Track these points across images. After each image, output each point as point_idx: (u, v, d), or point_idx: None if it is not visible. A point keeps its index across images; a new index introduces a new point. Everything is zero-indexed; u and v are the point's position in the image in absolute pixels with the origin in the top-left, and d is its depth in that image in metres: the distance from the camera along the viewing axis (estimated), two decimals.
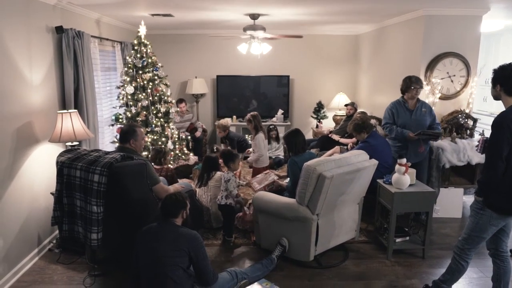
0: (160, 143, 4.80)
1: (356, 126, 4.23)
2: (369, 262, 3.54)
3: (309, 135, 7.26)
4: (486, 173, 2.51)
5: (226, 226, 3.91)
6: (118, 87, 4.90)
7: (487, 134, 2.68)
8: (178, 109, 6.58)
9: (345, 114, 6.52)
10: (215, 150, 5.79)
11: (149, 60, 4.75)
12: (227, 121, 6.13)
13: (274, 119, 7.27)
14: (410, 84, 4.08)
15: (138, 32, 4.78)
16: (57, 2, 3.86)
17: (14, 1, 3.24)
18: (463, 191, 4.55)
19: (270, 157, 6.27)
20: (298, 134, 3.86)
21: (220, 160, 4.31)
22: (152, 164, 4.31)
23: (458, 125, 4.57)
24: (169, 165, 4.58)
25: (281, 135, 6.55)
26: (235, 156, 4.05)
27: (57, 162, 3.13)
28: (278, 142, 6.43)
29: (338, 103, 7.21)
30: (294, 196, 3.43)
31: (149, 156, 4.54)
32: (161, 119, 4.83)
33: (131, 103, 4.73)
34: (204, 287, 2.67)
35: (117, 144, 4.15)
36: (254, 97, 7.58)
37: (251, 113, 5.43)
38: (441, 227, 4.24)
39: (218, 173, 4.21)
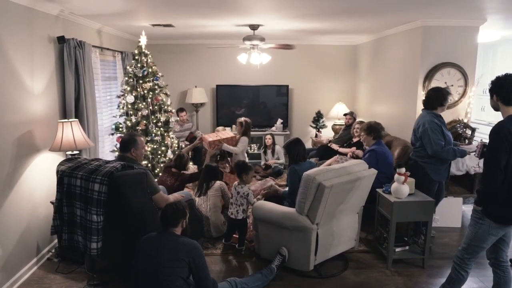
0: (159, 152, 4.81)
1: (369, 126, 4.34)
2: (369, 272, 3.54)
3: (308, 145, 7.27)
4: (484, 182, 2.53)
5: (240, 237, 3.90)
6: (119, 97, 4.92)
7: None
8: (179, 118, 6.60)
9: (344, 123, 6.54)
10: (218, 158, 5.81)
11: (150, 70, 4.78)
12: (219, 129, 6.33)
13: (273, 128, 7.29)
14: (447, 97, 3.76)
15: (139, 42, 4.82)
16: (59, 12, 3.90)
17: (17, 11, 3.28)
18: (462, 200, 4.56)
19: (270, 167, 6.27)
20: (299, 143, 3.92)
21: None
22: (173, 169, 4.38)
23: (457, 135, 4.60)
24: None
25: (279, 145, 6.56)
26: (249, 168, 3.98)
27: (57, 171, 3.13)
28: (273, 155, 6.41)
29: (337, 113, 7.24)
30: (293, 205, 3.44)
31: (171, 160, 4.70)
32: (161, 128, 4.84)
33: (131, 112, 4.74)
34: None
35: (117, 153, 4.16)
36: (254, 106, 7.61)
37: (245, 118, 5.49)
38: (441, 237, 4.24)
39: (218, 182, 4.21)
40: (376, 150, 4.20)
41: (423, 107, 3.82)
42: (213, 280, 2.72)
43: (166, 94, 5.02)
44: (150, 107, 4.78)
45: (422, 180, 3.70)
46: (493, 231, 2.55)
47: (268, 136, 6.40)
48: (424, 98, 3.82)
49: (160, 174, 4.67)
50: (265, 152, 6.43)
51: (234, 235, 3.97)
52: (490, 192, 2.51)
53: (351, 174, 3.40)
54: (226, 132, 5.58)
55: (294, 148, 3.88)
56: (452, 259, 2.81)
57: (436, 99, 3.69)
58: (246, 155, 5.65)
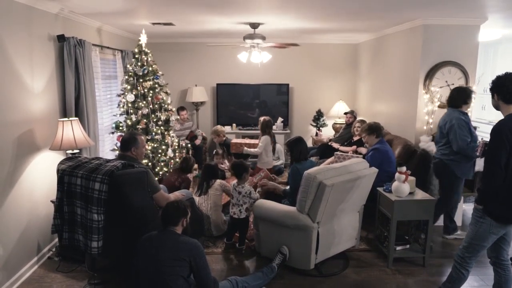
0: (160, 151, 4.81)
1: (370, 127, 4.36)
2: (369, 271, 3.54)
3: (308, 143, 7.24)
4: (485, 181, 2.53)
5: (241, 236, 3.90)
6: (119, 95, 4.91)
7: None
8: (179, 117, 6.60)
9: (344, 122, 6.54)
10: (214, 153, 5.81)
11: (150, 68, 4.76)
12: (218, 127, 6.39)
13: (274, 127, 7.26)
14: (471, 95, 3.83)
15: (139, 40, 4.80)
16: (59, 10, 3.89)
17: (17, 9, 3.27)
18: (463, 199, 4.55)
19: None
20: (302, 142, 3.94)
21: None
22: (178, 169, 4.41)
23: None
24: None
25: (279, 144, 6.55)
26: (248, 166, 4.01)
27: (57, 170, 3.13)
28: (274, 153, 6.40)
29: (337, 111, 7.23)
30: (294, 204, 3.43)
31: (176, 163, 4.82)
32: (161, 127, 4.83)
33: (131, 111, 4.73)
34: None
35: (117, 152, 4.16)
36: (254, 105, 7.60)
37: (265, 117, 5.60)
38: (441, 235, 4.23)
39: (218, 181, 4.21)
40: (380, 148, 4.21)
41: (448, 106, 3.89)
42: (214, 279, 2.72)
43: (166, 92, 5.01)
44: (151, 106, 4.77)
45: (448, 179, 3.70)
46: (494, 230, 2.56)
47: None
48: (447, 97, 3.90)
49: (161, 173, 4.69)
50: None
51: (236, 234, 3.96)
52: (490, 190, 2.51)
53: (351, 173, 3.40)
54: (252, 140, 5.83)
55: (297, 146, 3.89)
56: (453, 258, 2.82)
57: (459, 98, 3.79)
58: (269, 154, 5.60)
